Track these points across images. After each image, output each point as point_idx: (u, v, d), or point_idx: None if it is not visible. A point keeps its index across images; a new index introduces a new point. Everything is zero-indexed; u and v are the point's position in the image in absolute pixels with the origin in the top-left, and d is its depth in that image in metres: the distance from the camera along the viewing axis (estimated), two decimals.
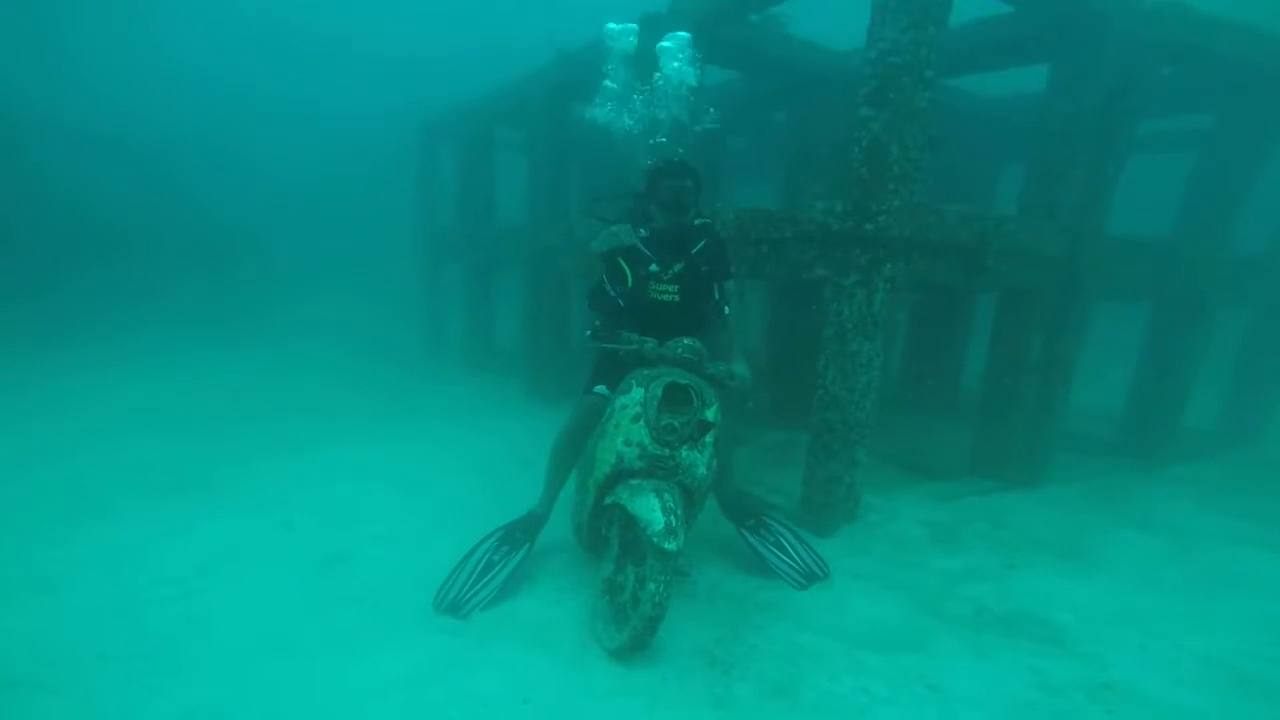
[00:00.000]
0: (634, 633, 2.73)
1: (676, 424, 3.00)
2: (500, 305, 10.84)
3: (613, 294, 3.55)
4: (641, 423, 3.03)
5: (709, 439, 3.10)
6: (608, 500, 3.10)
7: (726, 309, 3.59)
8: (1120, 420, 7.00)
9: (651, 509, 2.79)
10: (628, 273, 3.50)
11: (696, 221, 3.52)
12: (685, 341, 3.24)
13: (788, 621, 3.15)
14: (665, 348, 3.23)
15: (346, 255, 23.63)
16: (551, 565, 3.68)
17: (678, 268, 3.50)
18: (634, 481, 3.01)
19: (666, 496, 2.86)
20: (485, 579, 3.34)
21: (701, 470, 3.09)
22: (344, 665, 2.76)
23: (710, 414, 3.09)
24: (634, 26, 3.90)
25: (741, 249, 4.50)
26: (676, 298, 3.52)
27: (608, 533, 3.16)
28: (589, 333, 3.53)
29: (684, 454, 3.02)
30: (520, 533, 3.58)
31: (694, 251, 3.50)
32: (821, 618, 3.19)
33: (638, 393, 3.10)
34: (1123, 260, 5.63)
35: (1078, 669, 2.86)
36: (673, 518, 2.75)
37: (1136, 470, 6.24)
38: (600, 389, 3.62)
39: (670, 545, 2.68)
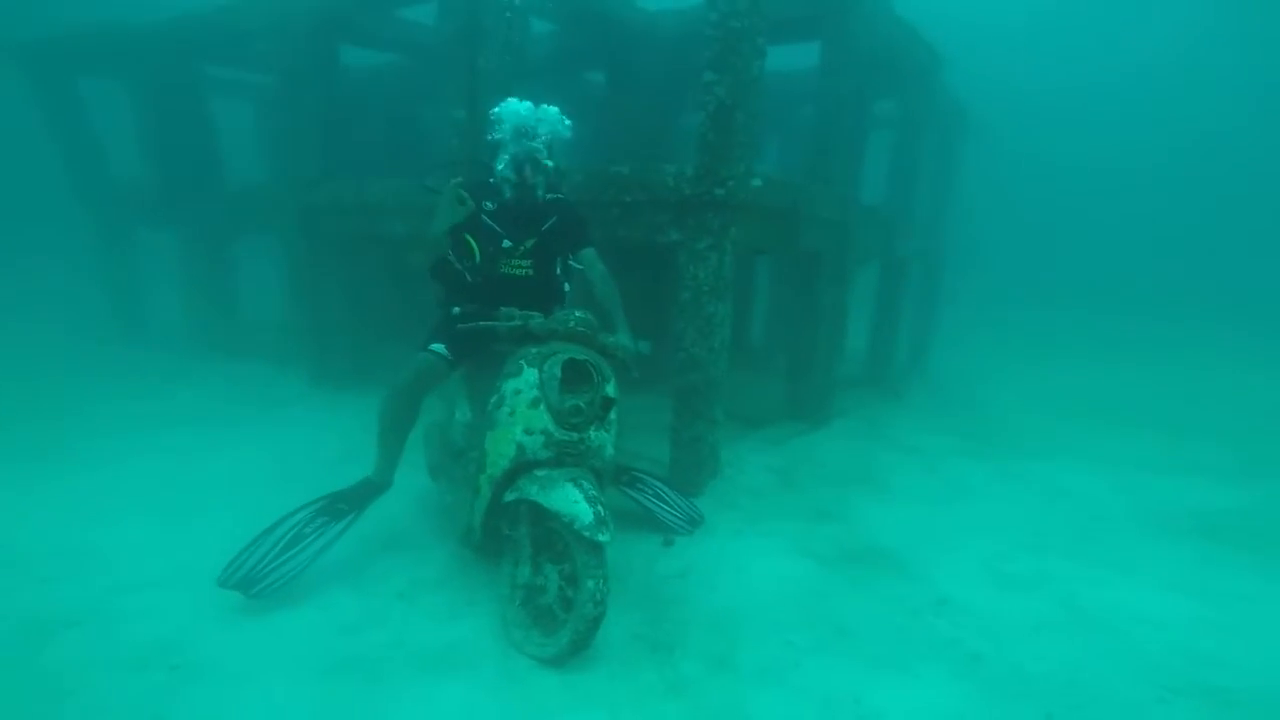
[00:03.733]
0: (575, 635, 2.52)
1: (582, 404, 2.79)
2: (244, 278, 9.12)
3: (459, 268, 3.32)
4: (542, 407, 2.76)
5: (613, 416, 2.95)
6: (509, 496, 2.79)
7: (567, 286, 3.54)
8: (864, 360, 8.27)
9: (574, 501, 2.56)
10: (475, 248, 3.27)
11: (548, 196, 3.37)
12: (576, 314, 3.01)
13: (701, 589, 3.18)
14: (554, 321, 2.96)
15: None
16: (428, 576, 3.24)
17: (530, 243, 3.36)
18: (540, 473, 2.74)
19: (585, 484, 2.65)
20: (291, 552, 2.92)
21: (609, 450, 2.95)
22: None
23: (610, 389, 2.93)
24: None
25: (592, 211, 4.29)
26: (530, 273, 3.39)
27: (512, 532, 2.85)
28: (456, 310, 3.17)
29: (592, 435, 2.84)
30: (346, 503, 3.17)
31: (545, 228, 3.38)
32: (727, 579, 3.28)
33: (530, 374, 2.81)
34: (866, 225, 6.56)
35: (921, 590, 3.31)
36: (599, 507, 2.56)
37: (878, 400, 7.51)
38: (438, 347, 3.33)
39: (604, 537, 2.50)
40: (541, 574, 2.75)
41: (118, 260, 9.50)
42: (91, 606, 2.88)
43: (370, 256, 6.97)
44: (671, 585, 3.22)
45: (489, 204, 3.29)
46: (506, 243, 3.31)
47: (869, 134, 7.19)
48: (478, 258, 3.28)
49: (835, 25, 5.55)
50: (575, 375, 2.84)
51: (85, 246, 9.86)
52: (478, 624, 2.87)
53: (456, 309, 3.16)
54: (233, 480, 4.39)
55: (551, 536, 2.76)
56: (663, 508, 3.74)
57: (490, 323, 2.94)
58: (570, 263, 3.53)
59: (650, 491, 3.81)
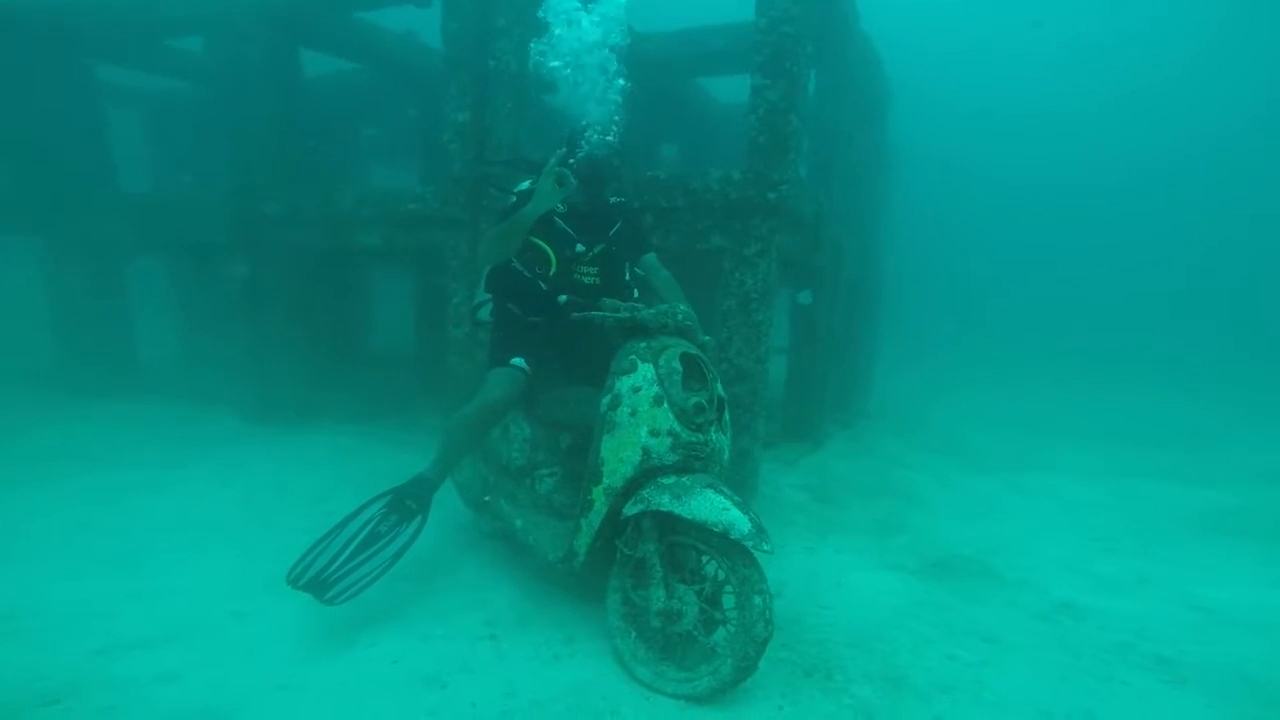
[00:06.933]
0: (741, 661, 2.17)
1: (704, 402, 2.49)
2: (141, 303, 7.89)
3: (530, 276, 3.04)
4: (665, 405, 2.44)
5: (727, 417, 2.68)
6: (630, 509, 2.41)
7: (635, 291, 3.26)
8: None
9: (723, 509, 2.24)
10: (550, 254, 3.01)
11: (612, 200, 3.18)
12: (681, 308, 2.73)
13: (811, 606, 2.91)
14: (661, 314, 2.66)
15: None
16: (502, 615, 2.76)
17: (599, 249, 3.12)
18: (667, 480, 2.40)
19: (726, 490, 2.35)
20: (367, 553, 2.65)
21: (727, 455, 2.65)
22: None
23: (720, 387, 2.67)
24: None
25: None
26: (597, 281, 3.11)
27: (633, 551, 2.46)
28: (564, 299, 2.94)
29: (714, 437, 2.54)
30: (412, 500, 2.89)
31: (612, 233, 3.15)
32: (831, 595, 3.03)
33: (646, 369, 2.49)
34: (851, 248, 6.69)
35: (1033, 596, 3.17)
36: (752, 513, 2.26)
37: (854, 422, 7.59)
38: (518, 362, 3.02)
39: (767, 547, 2.20)
40: (675, 597, 2.38)
41: None
42: (74, 676, 2.22)
43: (325, 275, 6.24)
44: (774, 604, 2.90)
45: (560, 206, 2.98)
46: (579, 247, 3.04)
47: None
48: (554, 264, 3.00)
49: (833, 56, 5.70)
50: (689, 371, 2.56)
51: None
52: (589, 664, 2.44)
53: (564, 297, 2.90)
54: (195, 523, 3.66)
55: (678, 553, 2.42)
56: None
57: (603, 314, 2.60)
58: (635, 269, 3.28)
59: None
